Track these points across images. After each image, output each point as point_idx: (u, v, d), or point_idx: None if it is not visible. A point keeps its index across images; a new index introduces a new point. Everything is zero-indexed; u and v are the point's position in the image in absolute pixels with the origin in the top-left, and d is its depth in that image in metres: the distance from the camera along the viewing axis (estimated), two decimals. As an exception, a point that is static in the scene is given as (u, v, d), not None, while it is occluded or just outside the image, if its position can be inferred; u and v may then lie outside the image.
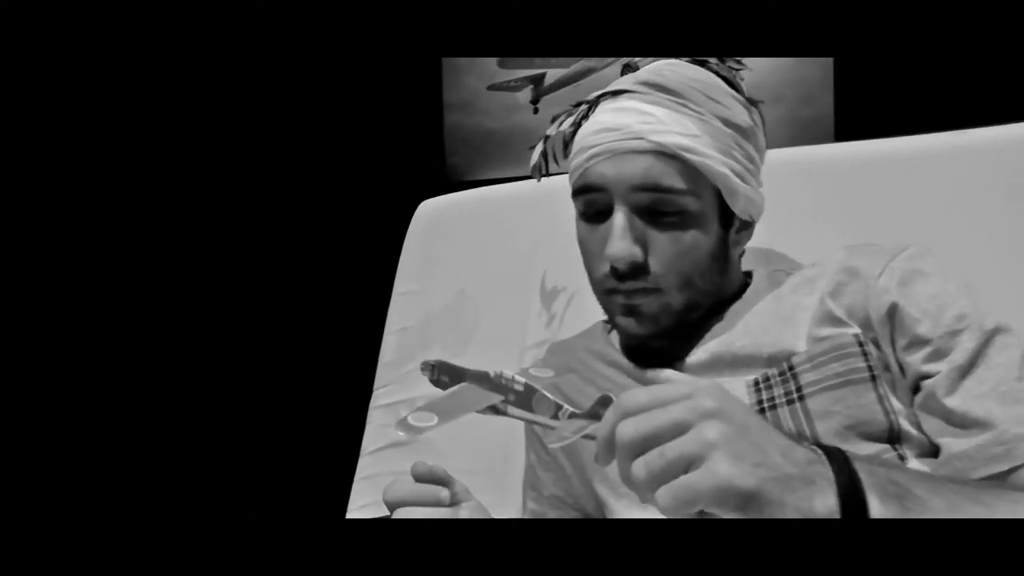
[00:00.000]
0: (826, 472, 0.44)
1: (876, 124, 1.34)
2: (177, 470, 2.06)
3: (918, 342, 0.68)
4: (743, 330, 0.76)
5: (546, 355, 0.96)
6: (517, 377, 0.56)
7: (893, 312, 0.69)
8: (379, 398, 1.34)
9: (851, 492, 0.43)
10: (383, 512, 0.63)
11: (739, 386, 0.72)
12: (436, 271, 1.36)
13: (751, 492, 0.42)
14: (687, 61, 0.79)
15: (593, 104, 0.80)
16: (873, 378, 0.68)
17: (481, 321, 1.28)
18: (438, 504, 0.62)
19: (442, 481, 0.65)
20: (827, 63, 1.76)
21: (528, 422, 0.55)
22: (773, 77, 1.72)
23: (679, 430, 0.44)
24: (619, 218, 0.74)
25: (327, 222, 2.14)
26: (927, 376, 0.67)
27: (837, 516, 0.42)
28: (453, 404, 0.56)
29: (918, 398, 0.68)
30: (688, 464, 0.43)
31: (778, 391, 0.70)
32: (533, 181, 0.92)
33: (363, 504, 1.25)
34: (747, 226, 0.81)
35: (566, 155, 0.84)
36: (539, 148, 0.88)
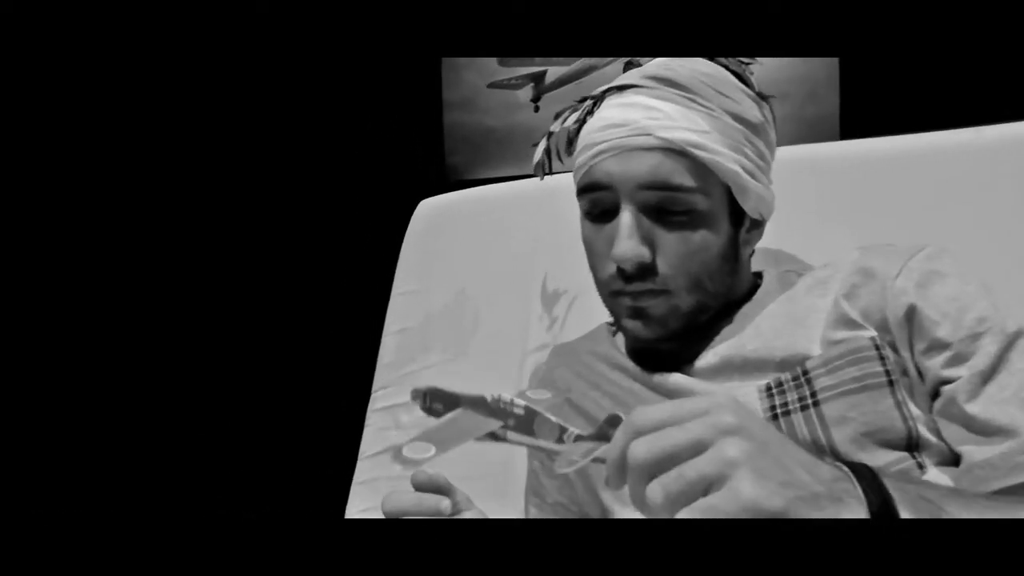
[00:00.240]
0: (853, 490, 0.42)
1: (882, 122, 1.33)
2: (172, 471, 2.05)
3: (937, 346, 0.65)
4: (754, 333, 0.74)
5: (549, 358, 0.94)
6: (517, 400, 0.53)
7: (911, 314, 0.67)
8: (378, 400, 1.32)
9: (884, 511, 0.41)
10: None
11: (750, 391, 0.70)
12: (436, 271, 1.34)
13: (778, 513, 0.39)
14: None
15: (598, 99, 0.78)
16: (891, 383, 0.66)
17: (481, 322, 1.27)
18: (439, 515, 0.61)
19: (443, 490, 0.63)
20: (833, 60, 1.74)
21: (531, 448, 0.52)
22: (778, 75, 1.70)
23: (697, 449, 0.41)
24: (626, 217, 0.71)
25: (325, 221, 2.12)
26: (947, 381, 0.65)
27: None
28: (450, 432, 0.53)
29: (938, 404, 0.66)
30: (709, 485, 0.40)
31: (791, 396, 0.68)
32: (535, 179, 0.90)
33: (361, 509, 1.23)
34: (757, 225, 0.79)
35: (570, 152, 0.81)
36: (542, 145, 0.86)
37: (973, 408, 0.63)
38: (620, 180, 0.72)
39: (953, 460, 0.65)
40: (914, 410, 0.66)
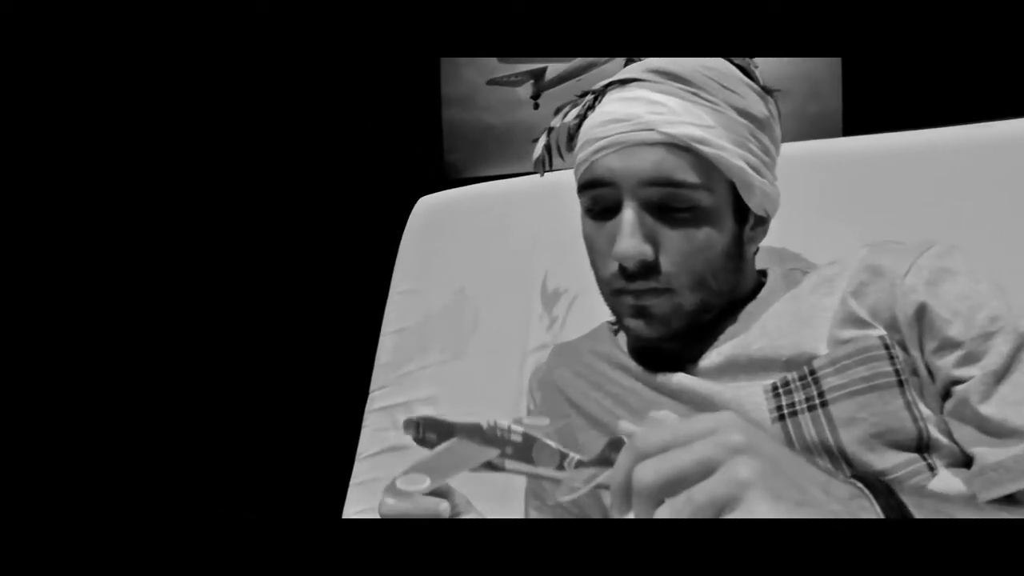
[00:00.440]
0: (871, 507, 0.41)
1: (885, 120, 1.32)
2: (168, 471, 2.04)
3: (949, 345, 0.64)
4: (759, 332, 0.72)
5: (549, 358, 0.93)
6: (514, 427, 0.51)
7: (922, 313, 0.65)
8: (375, 401, 1.31)
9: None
10: (379, 522, 0.60)
11: (756, 391, 0.69)
12: (434, 270, 1.33)
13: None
14: None
15: (600, 94, 0.77)
16: (901, 383, 0.64)
17: (481, 322, 1.25)
18: (437, 518, 0.59)
19: (441, 492, 0.62)
20: (835, 58, 1.73)
21: (530, 476, 0.51)
22: (780, 72, 1.69)
23: (706, 470, 0.40)
24: (628, 214, 0.70)
25: (322, 219, 2.11)
26: (959, 381, 0.63)
27: None
28: (445, 462, 0.52)
29: (949, 405, 0.64)
30: (721, 508, 0.39)
31: (798, 396, 0.67)
32: (535, 176, 0.88)
33: (359, 510, 1.22)
34: (762, 222, 0.77)
35: (571, 148, 0.80)
36: (542, 141, 0.85)
37: (986, 409, 0.61)
38: (622, 176, 0.70)
39: (964, 462, 0.63)
40: (924, 410, 0.65)
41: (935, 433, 0.64)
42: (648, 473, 0.40)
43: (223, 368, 2.09)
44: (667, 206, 0.70)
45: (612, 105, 0.73)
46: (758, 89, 0.74)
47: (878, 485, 0.42)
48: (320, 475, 1.44)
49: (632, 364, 0.79)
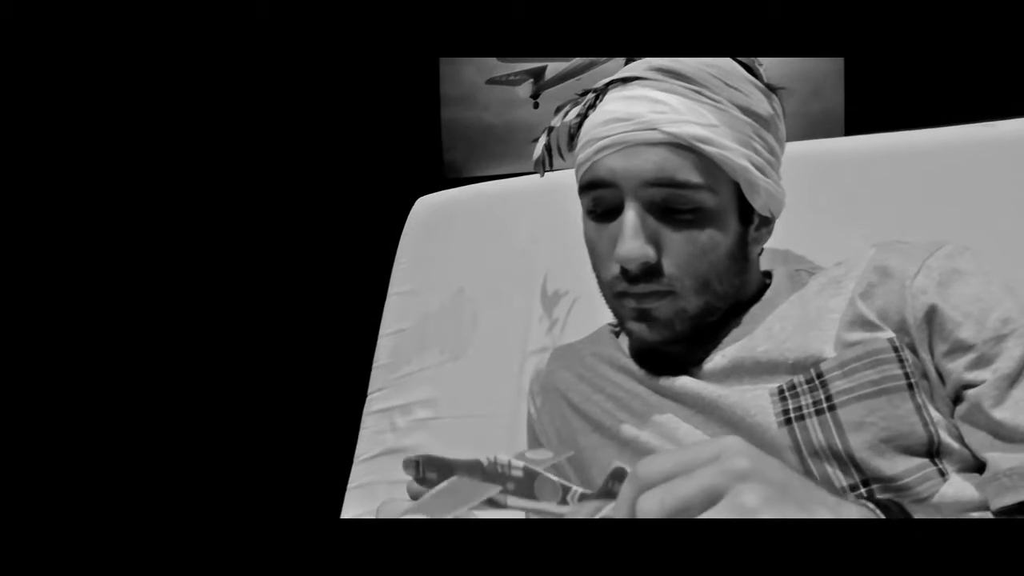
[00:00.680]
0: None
1: (888, 120, 1.31)
2: (163, 472, 2.03)
3: (960, 348, 0.63)
4: (765, 334, 0.71)
5: (549, 361, 0.91)
6: (515, 462, 0.50)
7: (932, 315, 0.64)
8: (373, 403, 1.30)
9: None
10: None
11: (762, 394, 0.67)
12: (433, 270, 1.31)
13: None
14: None
15: (601, 92, 0.75)
16: (911, 386, 0.63)
17: (480, 323, 1.24)
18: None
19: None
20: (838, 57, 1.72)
21: (531, 512, 0.49)
22: (782, 70, 1.67)
23: (711, 499, 0.39)
24: (630, 216, 0.69)
25: (320, 220, 2.10)
26: (970, 385, 0.62)
27: None
28: (444, 502, 0.50)
29: (960, 409, 0.63)
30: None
31: (806, 400, 0.65)
32: (535, 176, 0.87)
33: (356, 515, 1.21)
34: (767, 223, 0.76)
35: (572, 148, 0.79)
36: (542, 140, 0.84)
37: (1000, 413, 0.60)
38: (624, 177, 0.69)
39: (976, 467, 0.62)
40: (935, 414, 0.63)
41: (946, 438, 0.62)
42: (652, 504, 0.39)
43: (220, 369, 2.08)
44: (670, 207, 0.69)
45: (613, 104, 0.72)
46: (762, 87, 0.73)
47: (892, 507, 0.41)
48: (317, 479, 1.42)
49: (634, 367, 0.78)
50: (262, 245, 2.11)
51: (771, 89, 0.74)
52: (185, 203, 2.11)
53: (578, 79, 1.83)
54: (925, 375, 0.65)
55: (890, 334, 0.65)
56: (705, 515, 0.38)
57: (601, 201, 0.72)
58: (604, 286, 0.75)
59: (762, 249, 0.79)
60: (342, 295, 1.97)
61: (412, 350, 1.28)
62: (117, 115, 2.08)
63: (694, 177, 0.68)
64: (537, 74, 1.90)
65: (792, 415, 0.65)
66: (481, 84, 1.97)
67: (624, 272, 0.70)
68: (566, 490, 0.47)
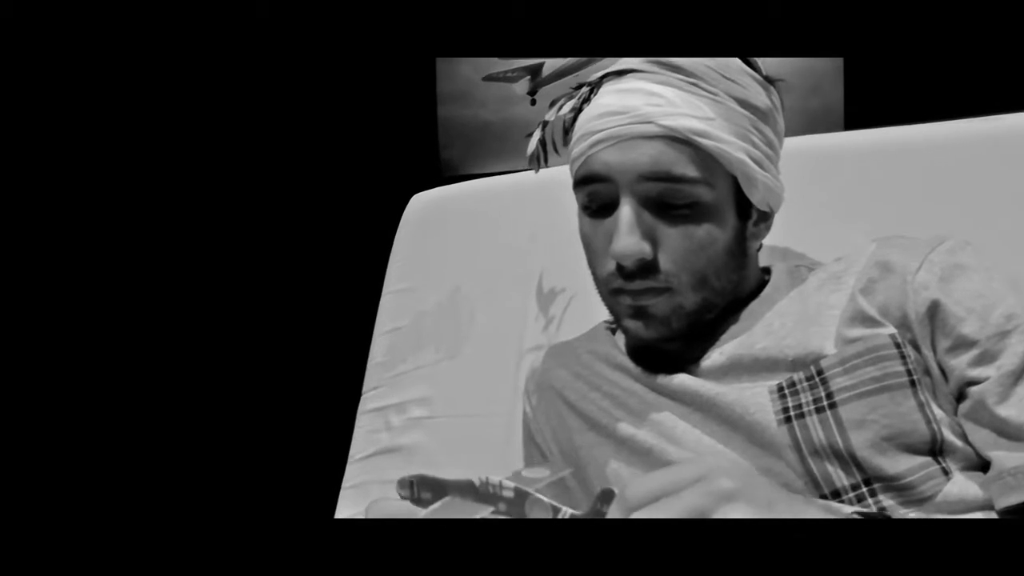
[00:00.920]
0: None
1: (888, 119, 1.30)
2: (155, 473, 2.01)
3: (963, 344, 0.62)
4: (763, 331, 0.70)
5: (545, 359, 0.90)
6: (506, 482, 0.50)
7: (934, 310, 0.63)
8: (368, 401, 1.29)
9: None
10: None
11: (761, 392, 0.66)
12: (429, 268, 1.31)
13: None
14: None
15: (596, 86, 0.74)
16: (913, 383, 0.62)
17: (476, 321, 1.23)
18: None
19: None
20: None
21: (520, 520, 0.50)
22: (781, 66, 1.66)
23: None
24: (625, 211, 0.68)
25: (315, 217, 2.09)
26: (974, 382, 0.61)
27: None
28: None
29: (964, 406, 0.62)
30: None
31: (805, 397, 0.64)
32: (531, 173, 0.86)
33: (350, 515, 1.20)
34: (765, 218, 0.75)
35: (566, 143, 0.78)
36: (536, 135, 0.83)
37: (1004, 411, 0.59)
38: (619, 171, 0.68)
39: (980, 465, 0.61)
40: (938, 412, 0.62)
41: (949, 435, 0.61)
42: None
43: (213, 368, 2.07)
44: (666, 202, 0.68)
45: (608, 97, 0.70)
46: (760, 79, 0.72)
47: (880, 519, 0.40)
48: (311, 478, 1.42)
49: (631, 365, 0.77)
50: (258, 242, 2.10)
51: (769, 81, 0.73)
52: (180, 200, 2.10)
53: (576, 76, 1.81)
54: (927, 372, 0.64)
55: (892, 330, 0.64)
56: None
57: (596, 196, 0.71)
58: (600, 283, 0.74)
59: (760, 245, 0.78)
60: (338, 293, 1.96)
61: (407, 348, 1.28)
62: (116, 114, 2.06)
63: (690, 171, 0.67)
64: (534, 71, 1.88)
65: (792, 413, 0.64)
66: (478, 81, 1.96)
67: (620, 268, 0.69)
68: (556, 511, 0.48)
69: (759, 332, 0.70)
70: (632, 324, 0.71)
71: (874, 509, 0.59)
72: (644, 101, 0.68)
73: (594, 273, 0.75)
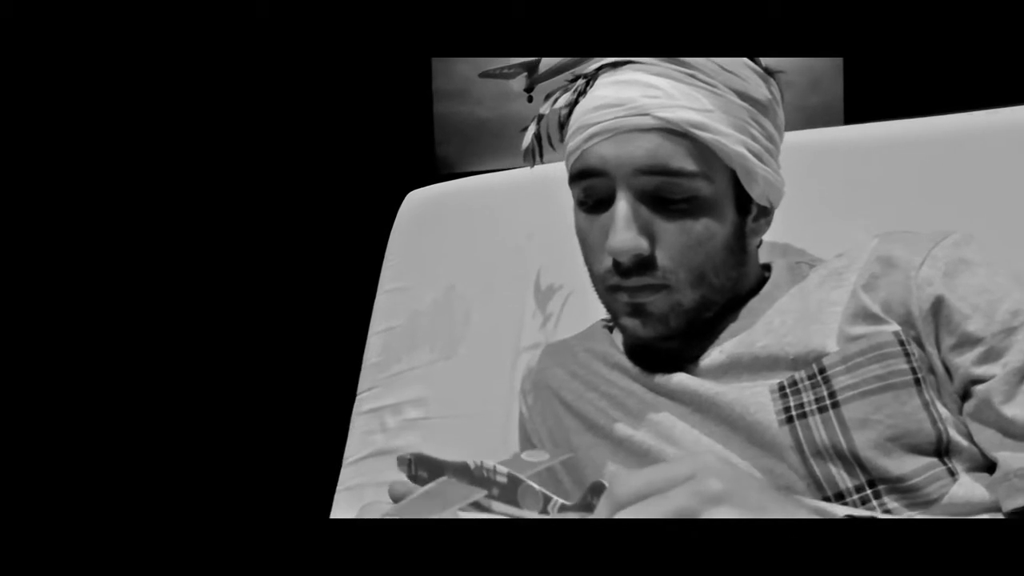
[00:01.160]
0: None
1: (888, 112, 1.29)
2: (150, 474, 2.01)
3: (968, 341, 0.60)
4: (764, 328, 0.68)
5: (541, 358, 0.89)
6: (500, 467, 0.51)
7: (938, 307, 0.62)
8: (363, 402, 1.28)
9: None
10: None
11: (762, 391, 0.65)
12: (424, 267, 1.29)
13: None
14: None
15: (591, 78, 0.73)
16: (917, 381, 0.61)
17: (472, 320, 1.22)
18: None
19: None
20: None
21: (515, 519, 0.51)
22: (780, 62, 1.66)
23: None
24: (622, 206, 0.66)
25: (308, 216, 2.08)
26: (979, 380, 0.60)
27: None
28: (427, 505, 0.52)
29: (969, 405, 0.60)
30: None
31: (807, 397, 0.63)
32: (528, 169, 0.84)
33: (346, 517, 1.18)
34: (765, 213, 0.73)
35: (562, 137, 0.76)
36: (532, 129, 0.81)
37: (1010, 410, 0.57)
38: (615, 165, 0.66)
39: (987, 466, 0.60)
40: (943, 411, 0.61)
41: (955, 435, 0.60)
42: None
43: (206, 367, 2.06)
44: (663, 196, 0.67)
45: (604, 89, 0.69)
46: (759, 71, 0.71)
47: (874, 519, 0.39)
48: (305, 480, 1.41)
49: (629, 364, 0.76)
50: (251, 241, 2.09)
51: (769, 73, 0.72)
52: (175, 199, 2.09)
53: (573, 72, 1.80)
54: (932, 370, 0.62)
55: (895, 327, 0.63)
56: None
57: (592, 191, 0.70)
58: (596, 280, 0.73)
59: (760, 241, 0.76)
60: (331, 292, 1.96)
61: (403, 348, 1.26)
62: (113, 112, 2.06)
63: (688, 165, 0.65)
64: (531, 67, 1.87)
65: (794, 413, 0.63)
66: (474, 78, 1.94)
67: (616, 265, 0.68)
68: (547, 500, 0.48)
69: (759, 330, 0.69)
70: (629, 322, 0.70)
71: (878, 512, 0.57)
72: (641, 93, 0.66)
73: (590, 270, 0.73)
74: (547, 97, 0.78)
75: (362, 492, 1.19)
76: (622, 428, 0.73)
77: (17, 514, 1.88)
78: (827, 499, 0.60)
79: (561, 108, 0.75)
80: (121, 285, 2.07)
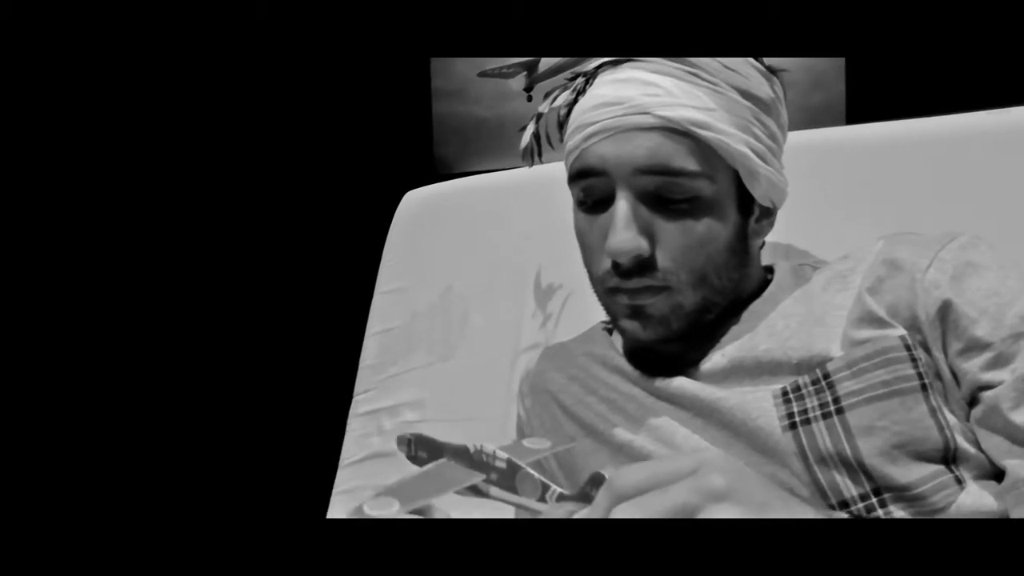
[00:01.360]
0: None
1: (891, 111, 1.29)
2: (145, 475, 2.00)
3: (976, 346, 0.59)
4: (766, 332, 0.67)
5: (539, 360, 0.88)
6: (499, 452, 0.51)
7: (945, 311, 0.60)
8: (359, 405, 1.27)
9: None
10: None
11: (764, 396, 0.64)
12: (422, 267, 1.28)
13: None
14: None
15: (591, 76, 0.71)
16: (924, 387, 0.59)
17: (470, 321, 1.21)
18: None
19: (419, 511, 0.57)
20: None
21: (512, 505, 0.50)
22: (782, 62, 1.65)
23: (684, 518, 0.38)
24: (622, 206, 0.65)
25: (305, 216, 2.08)
26: (988, 386, 0.58)
27: None
28: (423, 486, 0.51)
29: (977, 412, 0.59)
30: None
31: (811, 402, 0.61)
32: (527, 169, 0.83)
33: (342, 518, 1.17)
34: (768, 214, 0.72)
35: (562, 136, 0.75)
36: (530, 128, 0.80)
37: (1019, 417, 0.56)
38: (615, 164, 0.65)
39: (995, 474, 0.58)
40: (950, 417, 0.60)
41: (962, 443, 0.59)
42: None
43: (202, 369, 2.05)
44: (664, 196, 0.65)
45: (604, 88, 0.68)
46: (762, 69, 0.70)
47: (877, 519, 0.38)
48: (301, 483, 1.40)
49: (628, 367, 0.75)
50: (248, 240, 2.09)
51: (772, 71, 0.71)
52: (172, 198, 2.09)
53: (573, 71, 1.80)
54: (939, 375, 0.61)
55: (901, 331, 0.61)
56: None
57: (591, 191, 0.68)
58: (595, 282, 0.72)
59: (763, 242, 0.75)
60: (329, 293, 1.95)
61: (399, 350, 1.25)
62: (111, 111, 2.05)
63: (690, 164, 0.64)
64: (531, 66, 1.86)
65: (797, 419, 0.61)
66: (473, 78, 1.93)
67: (616, 266, 0.66)
68: (545, 488, 0.48)
69: (762, 333, 0.67)
70: (629, 324, 0.69)
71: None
72: (641, 91, 0.65)
73: (589, 271, 0.72)
74: (546, 96, 0.77)
75: (359, 495, 1.18)
76: (621, 433, 0.71)
77: (15, 514, 1.88)
78: (831, 507, 0.59)
79: (560, 107, 0.74)
80: (117, 285, 2.06)
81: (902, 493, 0.57)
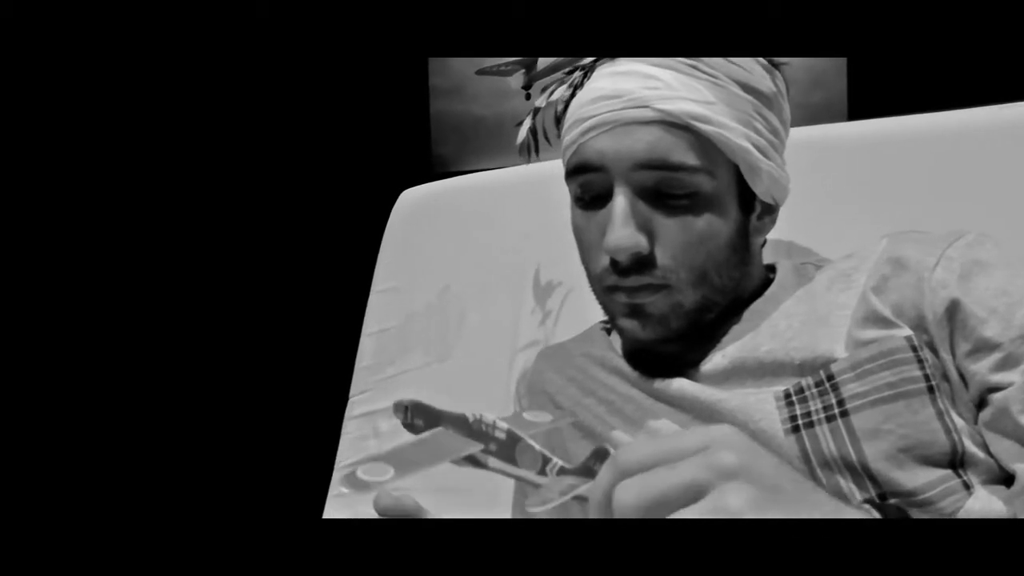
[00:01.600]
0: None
1: (892, 109, 1.28)
2: (141, 476, 2.00)
3: (985, 347, 0.58)
4: (769, 332, 0.65)
5: (536, 361, 0.86)
6: (499, 422, 0.49)
7: (953, 311, 0.59)
8: (355, 406, 1.25)
9: None
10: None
11: (767, 398, 0.62)
12: (418, 267, 1.27)
13: None
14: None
15: (589, 69, 0.70)
16: (931, 389, 0.58)
17: (467, 321, 1.20)
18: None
19: (410, 515, 0.55)
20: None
21: (511, 477, 0.48)
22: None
23: (692, 495, 0.35)
24: (620, 202, 0.64)
25: (302, 215, 2.07)
26: (996, 388, 0.57)
27: None
28: (419, 453, 0.49)
29: (985, 414, 0.58)
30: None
31: (815, 405, 0.60)
32: (525, 166, 0.82)
33: (338, 517, 1.16)
34: (770, 210, 0.71)
35: (559, 132, 0.73)
36: (527, 123, 0.79)
37: None
38: (613, 159, 0.64)
39: (1003, 478, 0.57)
40: (958, 420, 0.58)
41: (970, 446, 0.57)
42: (629, 495, 0.36)
43: (197, 369, 2.05)
44: (663, 192, 0.64)
45: (602, 81, 0.67)
46: (764, 62, 0.68)
47: (893, 512, 0.36)
48: (297, 486, 1.39)
49: (627, 368, 0.73)
50: (245, 240, 2.08)
51: (773, 64, 0.69)
52: (168, 198, 2.08)
53: (571, 67, 1.79)
54: (946, 377, 0.60)
55: (907, 332, 0.60)
56: (683, 513, 0.35)
57: (589, 187, 0.67)
58: (593, 280, 0.70)
59: (765, 240, 0.73)
60: (324, 293, 1.95)
61: (396, 351, 1.24)
62: (110, 111, 2.05)
63: (689, 159, 0.63)
64: (529, 64, 1.84)
65: (800, 422, 0.60)
66: (471, 75, 1.93)
67: (614, 264, 0.65)
68: (546, 460, 0.46)
69: (764, 334, 0.66)
70: (628, 324, 0.67)
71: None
72: (640, 84, 0.64)
73: (587, 269, 0.71)
74: (543, 89, 0.76)
75: (354, 498, 1.16)
76: (620, 435, 0.70)
77: (14, 513, 1.87)
78: None
79: (558, 101, 0.73)
80: (114, 284, 2.06)
81: (908, 499, 0.55)
